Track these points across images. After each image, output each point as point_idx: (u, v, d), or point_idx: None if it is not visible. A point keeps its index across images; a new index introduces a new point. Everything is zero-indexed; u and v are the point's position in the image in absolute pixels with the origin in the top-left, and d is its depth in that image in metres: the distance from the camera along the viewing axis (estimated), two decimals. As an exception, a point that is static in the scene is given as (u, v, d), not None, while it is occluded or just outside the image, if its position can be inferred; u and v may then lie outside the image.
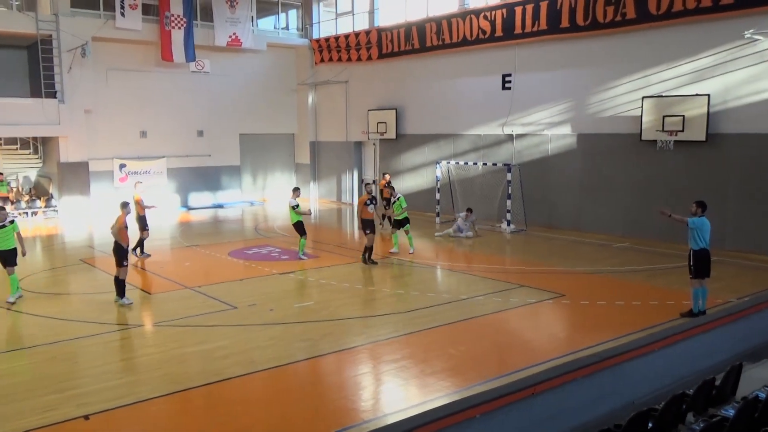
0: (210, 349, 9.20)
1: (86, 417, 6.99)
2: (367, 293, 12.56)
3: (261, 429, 6.94)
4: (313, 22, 27.84)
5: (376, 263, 14.68)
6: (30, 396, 7.54)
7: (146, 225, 15.78)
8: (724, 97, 15.42)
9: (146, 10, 23.68)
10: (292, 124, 29.04)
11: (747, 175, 15.22)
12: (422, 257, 15.92)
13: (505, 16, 19.79)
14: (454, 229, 18.28)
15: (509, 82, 20.23)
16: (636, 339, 8.08)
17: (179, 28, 24.02)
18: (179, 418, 7.20)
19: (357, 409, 7.32)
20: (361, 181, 26.72)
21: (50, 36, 22.13)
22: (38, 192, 23.95)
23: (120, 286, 11.43)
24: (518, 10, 19.36)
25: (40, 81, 21.99)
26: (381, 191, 19.39)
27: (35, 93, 22.61)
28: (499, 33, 20.04)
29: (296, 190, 15.69)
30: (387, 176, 20.47)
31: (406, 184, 23.13)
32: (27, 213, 22.77)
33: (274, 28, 28.27)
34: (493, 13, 20.13)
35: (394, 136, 24.05)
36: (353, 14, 26.12)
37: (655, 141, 16.59)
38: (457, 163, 21.29)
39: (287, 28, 28.56)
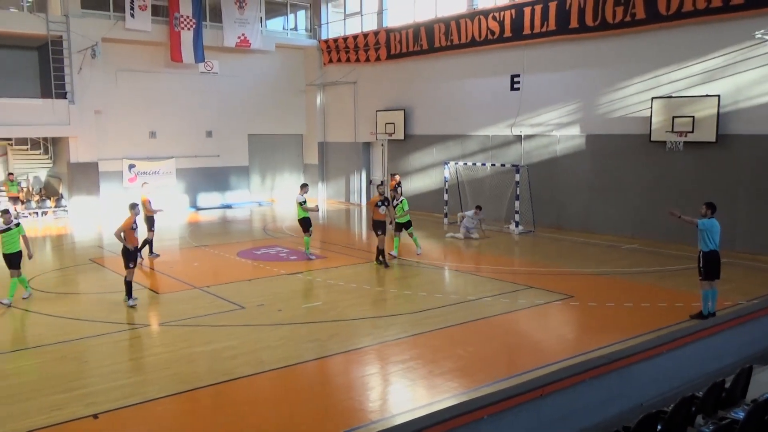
0: (218, 349, 9.22)
1: (95, 416, 7.02)
2: (375, 294, 12.56)
3: (269, 429, 6.95)
4: (322, 22, 27.88)
5: (388, 266, 14.52)
6: (39, 395, 7.59)
7: (153, 225, 15.83)
8: (735, 97, 15.33)
9: (156, 11, 23.79)
10: (300, 124, 29.10)
11: (757, 176, 15.11)
12: (430, 258, 15.90)
13: (513, 16, 19.75)
14: (463, 233, 18.19)
15: (518, 82, 20.18)
16: (645, 341, 8.04)
17: (188, 29, 24.11)
18: (187, 418, 7.22)
19: (365, 410, 7.32)
20: (369, 181, 26.75)
21: (60, 37, 22.28)
22: (48, 192, 24.10)
23: (127, 287, 11.47)
24: (527, 10, 19.31)
25: (51, 82, 22.14)
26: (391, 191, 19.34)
27: (46, 94, 22.77)
28: (507, 33, 20.00)
29: (304, 186, 15.60)
30: (397, 177, 20.45)
31: (414, 185, 23.13)
32: (37, 213, 22.92)
33: (283, 28, 28.33)
34: (502, 13, 20.09)
35: (402, 137, 24.05)
36: (362, 15, 26.14)
37: (664, 142, 16.51)
38: (466, 164, 21.26)
39: (296, 28, 28.62)
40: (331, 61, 27.20)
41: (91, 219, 22.45)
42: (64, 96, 22.43)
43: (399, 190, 17.53)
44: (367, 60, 25.34)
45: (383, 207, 14.73)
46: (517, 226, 19.03)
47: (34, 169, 24.31)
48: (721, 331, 7.62)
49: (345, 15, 27.10)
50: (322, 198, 28.33)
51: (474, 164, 20.96)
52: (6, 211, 11.82)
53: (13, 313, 11.21)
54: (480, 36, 20.86)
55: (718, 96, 15.42)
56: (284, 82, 28.09)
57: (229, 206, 26.48)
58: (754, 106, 15.04)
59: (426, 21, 22.82)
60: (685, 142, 16.08)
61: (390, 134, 24.43)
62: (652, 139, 16.69)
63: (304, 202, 15.08)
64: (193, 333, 10.00)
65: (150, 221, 15.72)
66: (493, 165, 20.25)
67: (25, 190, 23.40)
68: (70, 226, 21.57)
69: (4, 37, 22.04)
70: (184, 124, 25.59)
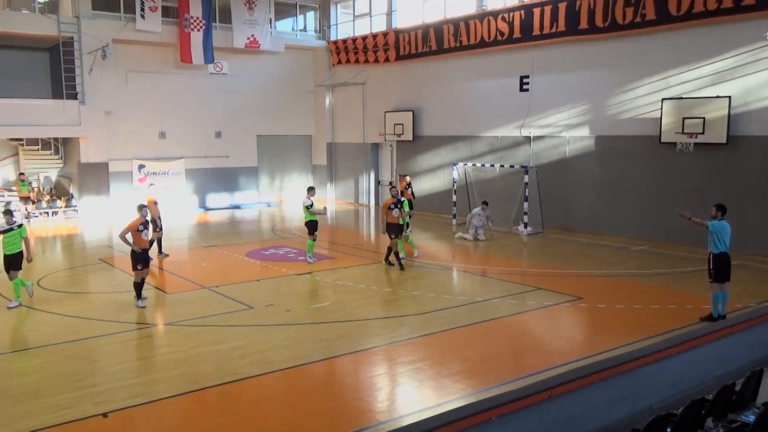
0: (226, 348, 9.25)
1: (104, 415, 7.06)
2: (383, 295, 12.56)
3: (276, 429, 6.96)
4: (331, 23, 27.93)
5: (402, 268, 14.35)
6: (50, 393, 7.64)
7: (157, 226, 15.87)
8: (746, 98, 15.24)
9: (166, 12, 23.90)
10: (309, 125, 29.15)
11: (769, 178, 15.03)
12: (438, 259, 15.89)
13: (523, 17, 19.71)
14: (472, 233, 18.14)
15: (527, 83, 20.14)
16: (654, 343, 7.99)
17: (198, 30, 24.21)
18: (195, 418, 7.24)
19: (373, 410, 7.32)
20: (377, 182, 26.77)
21: (71, 38, 22.42)
22: (59, 192, 24.26)
23: (135, 288, 11.50)
24: (536, 11, 19.28)
25: (62, 82, 22.29)
26: (401, 192, 19.29)
27: (56, 94, 22.92)
28: (517, 34, 19.97)
29: (311, 189, 15.38)
30: (408, 178, 20.38)
31: (422, 186, 23.12)
32: (48, 213, 23.09)
33: (292, 29, 28.39)
34: (511, 14, 20.06)
35: (411, 138, 24.05)
36: (371, 16, 26.16)
37: (674, 143, 16.43)
38: (474, 165, 21.23)
39: (305, 29, 28.68)
40: (340, 62, 27.24)
41: (101, 219, 22.58)
42: (74, 97, 22.57)
43: (410, 190, 17.47)
44: (376, 61, 25.36)
45: (396, 209, 14.63)
46: (525, 227, 18.98)
47: (45, 170, 24.48)
48: (732, 334, 7.56)
49: (354, 16, 27.14)
50: (331, 199, 28.36)
51: (483, 165, 20.93)
52: (8, 212, 11.77)
53: (24, 312, 11.28)
54: (489, 37, 20.84)
55: (729, 97, 15.33)
56: (293, 83, 28.15)
57: (237, 207, 26.56)
58: (765, 107, 14.95)
59: (435, 22, 22.82)
60: (695, 144, 16.00)
61: (399, 135, 24.43)
62: (662, 140, 16.61)
63: (311, 205, 14.91)
64: (202, 333, 10.03)
65: (155, 222, 15.77)
66: (501, 166, 20.22)
67: (35, 190, 23.56)
68: (80, 226, 21.71)
69: (16, 38, 22.22)
70: (194, 124, 25.69)
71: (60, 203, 23.51)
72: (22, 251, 11.59)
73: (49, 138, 23.93)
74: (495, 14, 20.60)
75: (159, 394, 7.63)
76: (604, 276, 13.78)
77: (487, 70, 21.43)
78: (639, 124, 17.35)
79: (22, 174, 22.91)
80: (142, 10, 23.18)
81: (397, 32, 24.28)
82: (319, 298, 12.61)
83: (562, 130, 19.29)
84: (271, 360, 8.75)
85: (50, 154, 24.33)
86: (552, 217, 19.32)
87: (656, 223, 17.04)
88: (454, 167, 21.39)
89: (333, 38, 27.74)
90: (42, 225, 21.92)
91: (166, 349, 9.47)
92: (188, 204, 25.58)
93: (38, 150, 23.89)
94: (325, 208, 17.15)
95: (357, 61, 26.28)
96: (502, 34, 20.42)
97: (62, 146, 24.52)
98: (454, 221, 20.80)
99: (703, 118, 15.68)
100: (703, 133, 15.73)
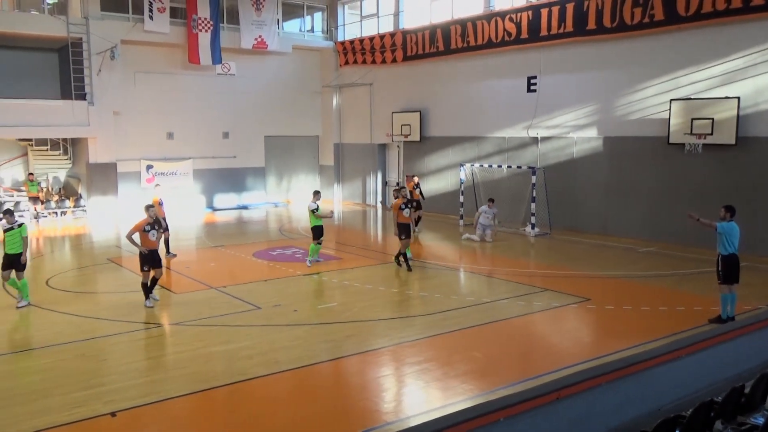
0: (234, 348, 9.28)
1: (113, 414, 7.09)
2: (391, 295, 12.57)
3: (284, 429, 6.97)
4: (338, 24, 27.97)
5: (410, 269, 14.32)
6: (59, 392, 7.68)
7: (166, 226, 15.91)
8: (755, 99, 15.17)
9: (174, 13, 24.00)
10: (316, 126, 29.19)
11: (778, 179, 14.95)
12: (445, 260, 15.89)
13: (530, 18, 19.68)
14: (479, 234, 18.12)
15: (534, 84, 20.11)
16: (663, 345, 7.96)
17: (206, 31, 24.29)
18: (203, 417, 7.27)
19: (380, 411, 7.33)
20: (384, 183, 26.78)
21: (80, 39, 22.54)
22: (67, 192, 24.38)
23: (143, 289, 11.53)
24: (544, 11, 19.24)
25: (71, 83, 22.43)
26: (410, 193, 19.32)
27: (65, 95, 23.05)
28: (524, 35, 19.94)
29: (316, 193, 15.21)
30: (416, 178, 20.41)
31: (429, 187, 23.10)
32: (56, 213, 23.22)
33: (300, 30, 28.44)
34: (519, 15, 20.03)
35: (418, 139, 24.05)
36: (378, 17, 26.18)
37: (683, 144, 16.36)
38: (482, 165, 21.21)
39: (312, 30, 28.72)
40: (347, 62, 27.27)
41: (109, 219, 22.68)
42: (83, 97, 22.68)
43: (418, 191, 17.44)
44: (384, 62, 25.37)
45: (407, 210, 14.63)
46: (533, 228, 18.95)
47: (54, 170, 24.61)
48: (741, 336, 7.51)
49: (361, 17, 27.17)
50: (338, 199, 28.39)
51: (490, 166, 20.90)
52: (9, 211, 11.73)
53: (33, 311, 11.34)
54: (497, 37, 20.82)
55: (738, 98, 15.26)
56: (300, 84, 28.20)
57: (245, 207, 26.63)
58: (774, 108, 14.89)
59: (442, 22, 22.81)
60: (704, 145, 15.93)
61: (406, 136, 24.43)
62: (671, 141, 16.55)
63: (317, 209, 14.85)
64: (210, 333, 10.06)
65: (159, 222, 15.78)
66: (509, 167, 20.19)
67: (44, 190, 23.70)
68: (89, 225, 21.81)
69: (25, 39, 22.37)
70: (201, 125, 25.78)
71: (69, 203, 23.65)
72: (24, 252, 11.48)
73: (58, 138, 24.06)
74: (502, 15, 20.58)
75: (167, 394, 7.66)
76: (612, 277, 13.74)
77: (495, 71, 21.41)
78: (647, 124, 17.29)
79: (32, 174, 23.05)
80: (151, 11, 23.28)
81: (405, 33, 24.29)
82: (327, 298, 12.63)
83: (570, 130, 19.24)
84: (278, 360, 8.77)
85: (59, 155, 24.46)
86: (559, 218, 19.28)
87: (664, 225, 16.97)
88: (461, 168, 21.37)
89: (340, 39, 27.77)
90: (51, 225, 22.05)
91: (174, 349, 9.51)
92: (196, 204, 25.67)
93: (47, 150, 24.02)
94: (331, 212, 17.15)
95: (364, 61, 26.30)
96: (509, 34, 20.39)
97: (71, 146, 24.65)
98: (461, 222, 20.77)
99: (712, 119, 15.62)
100: (711, 134, 15.67)
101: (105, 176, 23.30)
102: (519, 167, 19.81)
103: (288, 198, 28.58)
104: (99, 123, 22.83)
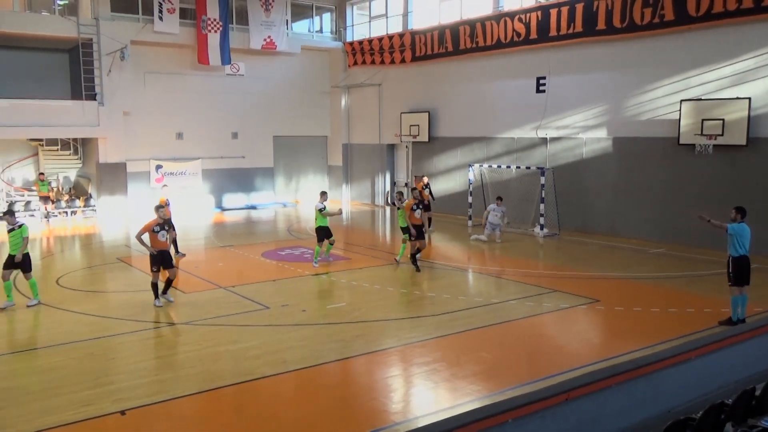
0: (243, 348, 9.30)
1: (122, 412, 7.12)
2: (399, 296, 12.56)
3: (291, 428, 6.98)
4: (347, 25, 27.99)
5: (419, 270, 14.29)
6: (69, 390, 7.72)
7: (172, 226, 15.94)
8: (766, 100, 15.07)
9: (183, 14, 24.10)
10: (325, 126, 29.22)
11: (789, 180, 14.84)
12: (454, 260, 15.87)
13: (539, 18, 19.63)
14: (488, 234, 18.07)
15: (543, 84, 20.06)
16: (673, 347, 7.92)
17: (215, 31, 24.36)
18: (212, 416, 7.28)
19: (388, 411, 7.32)
20: (393, 183, 26.78)
21: (91, 40, 22.67)
22: (77, 192, 24.52)
23: (152, 289, 11.57)
24: (553, 12, 19.19)
25: (81, 83, 22.56)
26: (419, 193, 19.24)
27: (76, 95, 23.18)
28: (533, 35, 19.89)
29: (323, 194, 15.35)
30: (425, 179, 20.37)
31: (438, 187, 23.07)
32: (67, 212, 23.35)
33: (309, 31, 28.49)
34: (528, 15, 19.98)
35: (426, 139, 24.04)
36: (387, 17, 26.18)
37: (693, 145, 16.27)
38: (490, 166, 21.17)
39: (321, 31, 28.76)
40: (356, 63, 27.28)
41: (119, 218, 22.79)
42: (93, 97, 22.81)
43: (427, 191, 17.39)
44: (392, 62, 25.37)
45: (419, 210, 14.60)
46: (541, 229, 18.89)
47: (64, 170, 24.76)
48: (751, 338, 7.46)
49: (370, 17, 27.18)
50: (346, 200, 28.40)
51: (499, 166, 20.86)
52: (9, 213, 11.72)
53: (43, 310, 11.41)
54: (506, 38, 20.77)
55: (749, 99, 15.17)
56: (309, 84, 28.24)
57: (253, 207, 26.69)
58: (786, 109, 14.78)
59: (451, 23, 22.79)
60: (714, 146, 15.84)
61: (414, 136, 24.42)
62: (681, 142, 16.46)
63: (324, 208, 14.86)
64: (218, 332, 10.08)
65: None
66: (518, 167, 20.14)
67: (55, 189, 23.84)
68: (99, 225, 21.92)
69: (36, 39, 22.52)
70: (210, 125, 25.87)
71: (79, 203, 23.78)
72: (28, 252, 11.56)
73: (69, 138, 24.20)
74: (511, 15, 20.53)
75: (175, 393, 7.68)
76: (622, 279, 13.67)
77: (504, 71, 21.36)
78: (657, 125, 17.20)
79: (42, 174, 23.19)
80: (160, 11, 23.38)
81: (413, 33, 24.28)
82: (335, 298, 12.63)
83: (579, 131, 19.17)
84: (286, 360, 8.78)
85: (69, 155, 24.61)
86: (568, 218, 19.21)
87: (674, 226, 16.88)
88: (470, 168, 21.33)
89: (349, 39, 27.79)
90: (61, 224, 22.18)
91: (182, 348, 9.54)
92: (205, 204, 25.76)
93: (58, 150, 24.16)
94: (340, 210, 17.17)
95: (373, 62, 26.31)
96: (518, 34, 20.35)
97: (81, 146, 24.78)
98: (469, 223, 20.74)
99: (723, 119, 15.53)
100: (722, 134, 15.58)
101: (115, 176, 23.42)
102: (528, 168, 19.76)
103: (297, 198, 28.62)
104: (109, 123, 22.95)
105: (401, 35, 24.81)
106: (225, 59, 24.75)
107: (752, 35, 15.19)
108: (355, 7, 28.01)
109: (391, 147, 26.77)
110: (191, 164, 25.57)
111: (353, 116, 28.35)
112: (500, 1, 21.48)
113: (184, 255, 16.11)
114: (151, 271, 11.48)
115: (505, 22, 20.71)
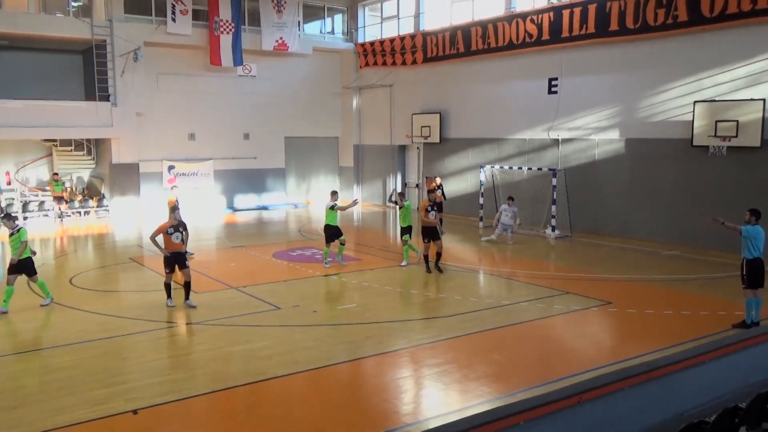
0: (254, 348, 9.33)
1: (134, 412, 7.16)
2: (410, 297, 12.56)
3: (303, 429, 6.99)
4: (359, 26, 28.03)
5: (430, 271, 14.26)
6: (82, 389, 7.77)
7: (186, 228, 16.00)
8: (781, 101, 14.93)
9: (196, 15, 24.22)
10: (336, 127, 29.27)
11: (804, 182, 14.70)
12: (464, 262, 15.84)
13: (552, 19, 19.56)
14: (498, 234, 18.01)
15: (556, 86, 19.99)
16: (686, 349, 7.87)
17: (228, 33, 24.47)
18: (223, 416, 7.31)
19: (399, 412, 7.32)
20: (404, 184, 26.76)
21: (104, 41, 22.86)
22: (91, 192, 24.71)
23: (165, 289, 11.60)
24: (566, 13, 19.11)
25: (95, 84, 22.75)
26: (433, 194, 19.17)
27: (89, 96, 23.37)
28: (546, 36, 19.82)
29: (334, 193, 15.40)
30: (438, 179, 20.31)
31: (449, 188, 23.02)
32: (80, 212, 23.54)
33: (320, 32, 28.55)
34: (540, 16, 19.92)
35: (438, 140, 24.02)
36: (398, 18, 26.20)
37: (707, 147, 16.16)
38: (502, 167, 21.12)
39: (333, 32, 28.82)
40: (367, 64, 27.31)
41: (131, 219, 22.94)
42: (107, 98, 22.98)
43: (439, 192, 17.36)
44: (404, 63, 25.37)
45: (433, 212, 14.52)
46: (553, 230, 18.81)
47: (78, 170, 24.97)
48: (766, 341, 7.41)
49: (382, 18, 27.21)
50: (358, 196, 28.40)
51: (510, 168, 20.80)
52: (8, 216, 11.71)
53: (56, 310, 11.50)
54: (517, 39, 20.71)
55: (764, 100, 15.04)
56: (321, 85, 28.30)
57: (265, 208, 26.77)
58: (801, 110, 14.64)
59: (463, 24, 22.76)
60: (728, 147, 15.72)
61: (426, 137, 24.41)
62: (694, 143, 16.35)
63: (334, 206, 14.88)
64: (230, 332, 10.12)
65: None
66: (529, 169, 20.07)
67: (68, 190, 24.04)
68: (112, 225, 22.07)
69: (50, 41, 22.73)
70: (222, 126, 25.98)
71: (92, 203, 23.96)
72: (30, 257, 11.56)
73: (82, 139, 24.39)
74: (524, 16, 20.48)
75: (187, 393, 7.72)
76: (634, 281, 13.60)
77: (515, 73, 21.31)
78: (670, 126, 17.09)
79: (56, 174, 23.39)
80: (173, 13, 23.50)
81: (425, 34, 24.27)
82: (346, 299, 12.64)
83: (591, 132, 19.09)
84: (297, 360, 8.80)
85: (83, 155, 24.80)
86: (580, 220, 19.13)
87: (688, 228, 16.76)
88: (482, 170, 21.28)
89: (360, 40, 27.83)
90: (74, 224, 22.35)
91: (194, 348, 9.59)
92: (216, 205, 25.88)
93: (71, 151, 24.35)
94: (355, 201, 17.22)
95: (384, 63, 26.32)
96: (530, 36, 20.28)
97: (94, 147, 24.96)
98: (480, 224, 20.69)
99: (737, 121, 15.41)
100: (736, 136, 15.46)
101: (128, 176, 23.58)
102: (540, 169, 19.69)
103: (308, 199, 28.68)
104: (122, 124, 23.11)
105: (413, 36, 24.81)
106: (237, 60, 24.85)
107: (767, 36, 15.05)
108: (366, 8, 28.05)
109: (403, 148, 26.78)
110: (203, 165, 25.70)
111: (364, 117, 28.37)
112: (512, 2, 21.42)
113: (192, 255, 16.16)
114: (165, 272, 11.53)
115: (517, 23, 20.65)
